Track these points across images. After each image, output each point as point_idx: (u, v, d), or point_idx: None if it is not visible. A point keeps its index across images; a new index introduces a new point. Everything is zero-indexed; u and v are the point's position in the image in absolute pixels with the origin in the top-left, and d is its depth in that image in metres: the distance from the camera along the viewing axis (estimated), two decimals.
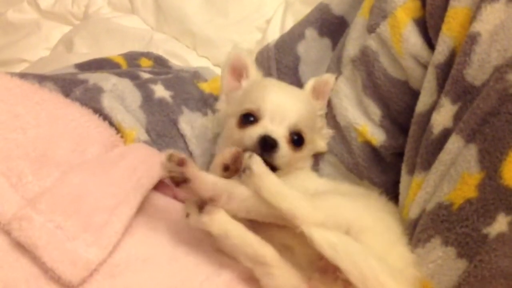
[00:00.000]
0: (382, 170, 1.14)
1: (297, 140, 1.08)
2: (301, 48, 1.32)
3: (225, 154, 0.98)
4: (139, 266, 0.91)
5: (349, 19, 1.25)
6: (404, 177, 1.03)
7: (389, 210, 1.01)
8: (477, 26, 0.87)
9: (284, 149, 1.03)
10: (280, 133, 1.05)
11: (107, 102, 1.14)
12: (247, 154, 0.90)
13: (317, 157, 1.19)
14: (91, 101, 1.13)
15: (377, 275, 0.80)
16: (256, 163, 0.88)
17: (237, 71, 1.19)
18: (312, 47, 1.31)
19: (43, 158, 0.96)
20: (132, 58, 1.55)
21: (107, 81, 1.21)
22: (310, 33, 1.31)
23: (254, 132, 1.03)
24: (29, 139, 0.97)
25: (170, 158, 0.86)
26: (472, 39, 0.87)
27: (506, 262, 0.77)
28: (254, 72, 1.18)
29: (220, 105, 1.21)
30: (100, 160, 1.03)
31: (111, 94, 1.17)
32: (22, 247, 0.85)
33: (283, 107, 1.07)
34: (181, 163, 0.85)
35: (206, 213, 0.88)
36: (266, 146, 1.00)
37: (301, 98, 1.14)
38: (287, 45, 1.34)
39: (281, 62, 1.33)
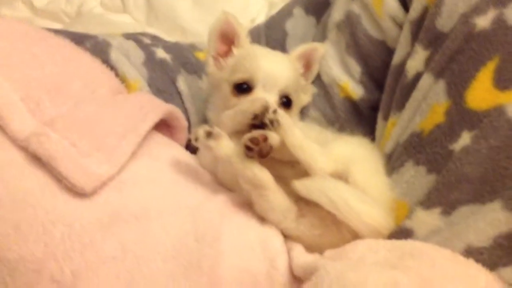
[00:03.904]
0: (360, 122, 1.26)
1: (286, 102, 1.18)
2: (289, 25, 1.45)
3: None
4: (144, 185, 0.97)
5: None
6: (380, 124, 1.15)
7: (373, 147, 1.11)
8: None
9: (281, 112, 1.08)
10: (272, 99, 1.14)
11: (114, 55, 1.24)
12: (271, 109, 0.98)
13: (302, 112, 1.30)
14: (100, 53, 1.22)
15: (346, 200, 0.89)
16: (283, 117, 0.97)
17: (227, 37, 1.22)
18: (298, 24, 1.44)
19: (59, 90, 1.02)
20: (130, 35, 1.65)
21: (114, 39, 1.30)
22: (298, 11, 1.44)
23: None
24: (46, 74, 1.03)
25: (253, 141, 0.93)
26: None
27: (469, 168, 0.84)
28: (244, 40, 1.23)
29: (211, 68, 1.24)
30: (109, 98, 1.11)
31: (117, 50, 1.26)
32: (37, 162, 0.89)
33: (273, 75, 1.15)
34: (264, 138, 0.94)
35: (213, 138, 0.98)
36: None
37: (287, 63, 1.22)
38: (276, 22, 1.47)
39: (271, 36, 1.45)
